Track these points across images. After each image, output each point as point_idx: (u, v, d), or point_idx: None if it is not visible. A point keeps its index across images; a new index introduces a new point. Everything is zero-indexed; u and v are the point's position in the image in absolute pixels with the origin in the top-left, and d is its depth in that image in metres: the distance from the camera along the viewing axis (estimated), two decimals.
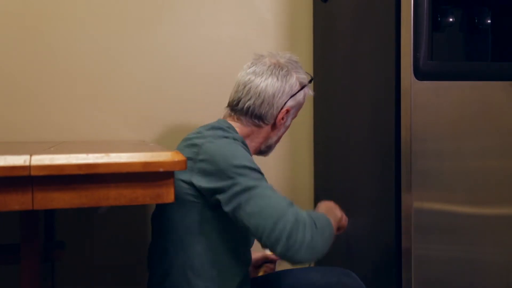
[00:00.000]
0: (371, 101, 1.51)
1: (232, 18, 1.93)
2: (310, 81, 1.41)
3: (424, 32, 1.30)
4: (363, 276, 1.51)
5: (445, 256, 1.34)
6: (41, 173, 0.83)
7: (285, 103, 1.33)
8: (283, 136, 1.46)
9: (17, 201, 0.84)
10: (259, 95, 1.30)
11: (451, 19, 1.40)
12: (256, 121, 1.33)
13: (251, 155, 1.26)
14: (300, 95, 1.36)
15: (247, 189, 1.12)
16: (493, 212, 1.37)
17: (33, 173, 0.83)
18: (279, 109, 1.32)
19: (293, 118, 1.41)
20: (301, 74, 1.37)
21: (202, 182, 1.17)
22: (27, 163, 0.83)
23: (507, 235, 1.38)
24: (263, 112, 1.31)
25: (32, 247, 0.99)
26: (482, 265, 1.36)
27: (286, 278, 1.38)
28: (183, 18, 1.89)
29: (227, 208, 1.14)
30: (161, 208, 1.27)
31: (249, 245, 1.31)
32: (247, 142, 1.33)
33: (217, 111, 1.88)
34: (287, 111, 1.34)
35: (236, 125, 1.34)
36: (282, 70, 1.33)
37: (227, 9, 1.92)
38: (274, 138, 1.39)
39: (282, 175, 1.98)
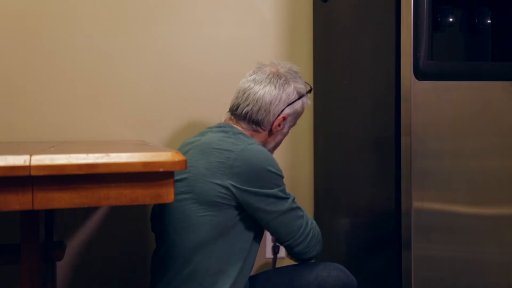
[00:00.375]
0: (371, 100, 1.51)
1: (232, 18, 1.93)
2: (309, 91, 1.47)
3: (424, 32, 1.30)
4: (363, 276, 1.51)
5: (445, 255, 1.34)
6: (41, 173, 0.83)
7: (282, 110, 1.39)
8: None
9: (17, 201, 0.84)
10: (256, 102, 1.38)
11: (451, 19, 1.40)
12: (254, 126, 1.39)
13: None
14: (297, 104, 1.42)
15: (282, 198, 1.31)
16: (492, 211, 1.37)
17: (33, 173, 0.83)
18: (276, 116, 1.39)
19: (291, 126, 1.47)
20: (300, 84, 1.44)
21: (238, 184, 1.26)
22: (27, 163, 0.83)
23: (507, 235, 1.38)
24: (260, 118, 1.38)
25: (32, 247, 0.99)
26: (482, 264, 1.36)
27: (277, 278, 1.43)
28: (183, 18, 1.89)
29: (257, 212, 1.28)
30: (177, 210, 1.30)
31: (259, 244, 1.39)
32: None
33: (217, 111, 1.89)
34: (284, 118, 1.40)
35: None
36: (280, 79, 1.40)
37: (226, 9, 1.92)
38: (272, 144, 1.45)
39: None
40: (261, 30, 1.95)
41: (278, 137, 1.45)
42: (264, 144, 1.43)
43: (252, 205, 1.28)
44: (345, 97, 1.70)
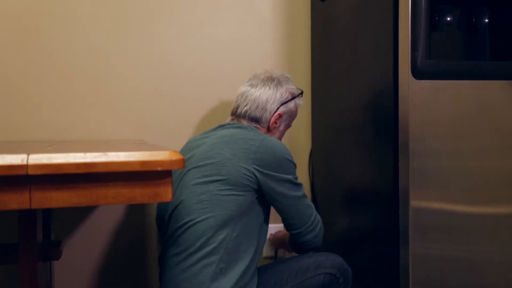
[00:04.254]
0: (369, 100, 1.51)
1: (231, 18, 1.93)
2: (300, 94, 1.61)
3: (422, 31, 1.30)
4: (361, 275, 1.52)
5: (443, 255, 1.34)
6: (39, 172, 0.83)
7: (277, 108, 1.54)
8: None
9: (15, 200, 0.84)
10: (254, 101, 1.53)
11: (449, 18, 1.40)
12: (254, 123, 1.53)
13: None
14: (291, 104, 1.57)
15: (297, 184, 1.42)
16: (490, 211, 1.37)
17: (30, 172, 0.83)
18: (272, 113, 1.53)
19: (287, 126, 1.61)
20: (292, 86, 1.59)
21: (261, 168, 1.36)
22: (24, 162, 0.83)
23: (505, 234, 1.38)
24: (258, 115, 1.53)
25: (30, 246, 0.99)
26: (480, 264, 1.37)
27: (279, 264, 1.52)
28: (182, 18, 1.89)
29: (278, 195, 1.39)
30: (202, 191, 1.37)
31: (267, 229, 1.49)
32: None
33: (216, 110, 1.89)
34: (280, 115, 1.55)
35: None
36: (273, 81, 1.56)
37: (225, 9, 1.92)
38: None
39: None
40: (260, 30, 1.95)
41: (276, 135, 1.57)
42: None
43: (273, 188, 1.38)
44: (343, 96, 1.70)
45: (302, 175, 2.00)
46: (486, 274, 1.37)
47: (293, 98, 1.57)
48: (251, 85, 1.56)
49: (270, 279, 1.46)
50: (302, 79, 1.97)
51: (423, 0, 1.30)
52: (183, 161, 0.91)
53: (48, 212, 1.68)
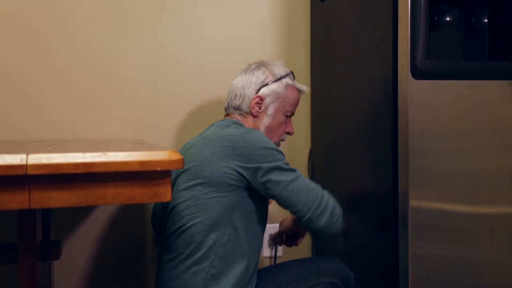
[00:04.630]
0: (369, 100, 1.51)
1: (230, 18, 1.93)
2: (287, 74, 1.52)
3: (421, 31, 1.30)
4: (360, 275, 1.52)
5: (442, 255, 1.34)
6: (38, 172, 0.83)
7: (257, 91, 1.48)
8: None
9: (14, 200, 0.84)
10: (233, 91, 1.52)
11: (448, 18, 1.40)
12: (238, 114, 1.51)
13: None
14: (274, 86, 1.49)
15: (287, 170, 1.32)
16: (490, 211, 1.37)
17: (30, 172, 0.83)
18: (251, 97, 1.48)
19: (280, 110, 1.50)
20: (275, 68, 1.52)
21: (243, 163, 1.30)
22: (24, 162, 0.83)
23: (505, 234, 1.38)
24: (238, 103, 1.50)
25: (30, 246, 0.99)
26: (480, 264, 1.36)
27: (280, 269, 1.49)
28: (181, 18, 1.89)
29: (268, 184, 1.30)
30: (187, 196, 1.33)
31: (264, 231, 1.43)
32: None
33: (216, 110, 1.88)
34: (260, 98, 1.48)
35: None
36: (251, 67, 1.53)
37: (225, 8, 1.92)
38: (262, 128, 1.50)
39: None
40: (260, 29, 1.95)
41: (265, 120, 1.50)
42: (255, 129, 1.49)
43: (262, 180, 1.31)
44: (342, 95, 1.70)
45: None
46: (485, 274, 1.37)
47: (277, 79, 1.49)
48: (235, 79, 1.54)
49: (271, 285, 1.42)
50: (302, 79, 1.97)
51: (423, 0, 1.30)
52: (182, 161, 0.91)
53: (47, 212, 1.68)
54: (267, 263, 1.96)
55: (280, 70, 1.52)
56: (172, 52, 1.88)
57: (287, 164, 1.34)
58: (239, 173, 1.30)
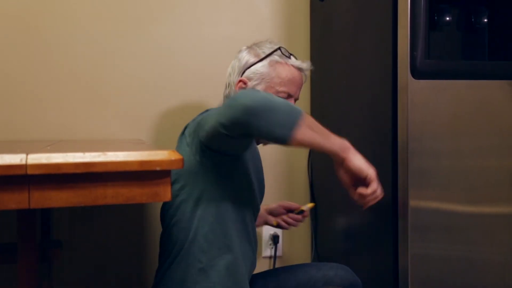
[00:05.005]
0: (368, 99, 1.51)
1: (230, 18, 1.93)
2: (274, 51, 1.38)
3: (421, 31, 1.30)
4: (360, 275, 1.51)
5: (442, 255, 1.34)
6: (38, 172, 0.83)
7: (241, 75, 1.38)
8: None
9: (13, 200, 0.84)
10: (225, 84, 1.45)
11: (448, 18, 1.40)
12: None
13: None
14: (257, 66, 1.36)
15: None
16: (490, 211, 1.37)
17: (29, 171, 0.83)
18: (235, 84, 1.40)
19: (270, 92, 1.34)
20: (262, 47, 1.39)
21: (194, 145, 1.24)
22: (23, 162, 0.83)
23: (504, 234, 1.38)
24: (227, 92, 1.43)
25: (29, 246, 0.99)
26: (479, 264, 1.37)
27: (286, 274, 1.45)
28: (181, 17, 1.88)
29: (206, 137, 1.20)
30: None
31: (254, 214, 1.36)
32: None
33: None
34: (243, 82, 1.37)
35: None
36: (236, 53, 1.43)
37: (225, 8, 1.92)
38: None
39: (279, 174, 1.98)
40: (260, 29, 1.95)
41: None
42: None
43: (198, 138, 1.23)
44: (342, 95, 1.70)
45: (302, 175, 2.00)
46: (485, 274, 1.37)
47: (261, 59, 1.37)
48: None
49: None
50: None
51: (422, 0, 1.30)
52: (182, 161, 0.91)
53: (47, 212, 1.69)
54: (267, 263, 1.96)
55: (265, 49, 1.38)
56: (172, 52, 1.88)
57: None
58: (199, 158, 1.23)
